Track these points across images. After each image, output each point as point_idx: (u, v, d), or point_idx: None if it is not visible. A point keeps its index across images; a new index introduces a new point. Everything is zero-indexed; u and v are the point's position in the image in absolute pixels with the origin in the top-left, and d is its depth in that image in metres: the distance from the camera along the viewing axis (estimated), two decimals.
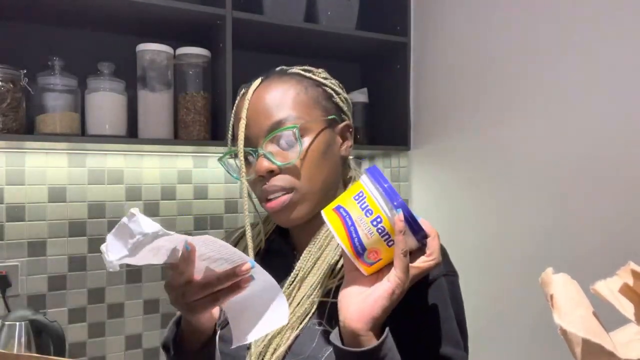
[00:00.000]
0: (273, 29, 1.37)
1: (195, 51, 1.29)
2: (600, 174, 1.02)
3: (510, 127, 1.23)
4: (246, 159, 0.73)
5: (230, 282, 0.58)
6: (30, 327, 1.14)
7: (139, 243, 0.51)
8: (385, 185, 0.57)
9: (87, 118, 1.22)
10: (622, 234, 0.98)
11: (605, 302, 0.34)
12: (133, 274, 1.43)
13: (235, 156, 0.73)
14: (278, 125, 0.70)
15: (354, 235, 0.58)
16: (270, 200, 0.71)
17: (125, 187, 1.42)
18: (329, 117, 0.74)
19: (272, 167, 0.69)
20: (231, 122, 0.78)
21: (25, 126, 1.15)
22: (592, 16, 1.04)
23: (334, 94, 0.76)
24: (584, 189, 1.05)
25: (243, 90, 0.76)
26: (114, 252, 0.52)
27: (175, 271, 0.58)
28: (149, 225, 0.50)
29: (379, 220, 0.57)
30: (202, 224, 1.52)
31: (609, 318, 0.36)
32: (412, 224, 0.57)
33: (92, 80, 1.22)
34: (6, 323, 1.13)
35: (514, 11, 1.22)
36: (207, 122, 1.31)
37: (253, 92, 0.73)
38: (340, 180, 0.78)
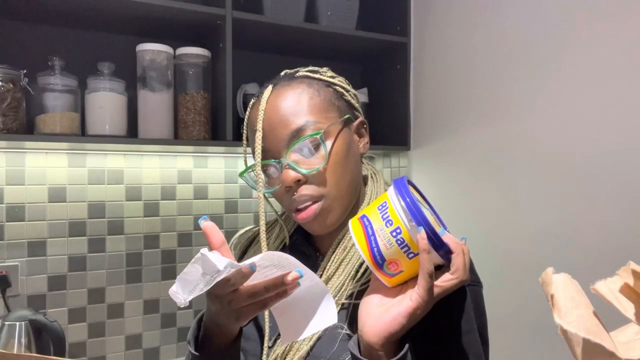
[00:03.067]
0: (273, 29, 1.37)
1: (195, 51, 1.29)
2: (601, 173, 1.02)
3: (510, 127, 1.23)
4: (266, 172, 0.71)
5: (277, 290, 0.56)
6: (30, 327, 1.14)
7: (212, 280, 0.51)
8: (408, 200, 0.56)
9: (87, 118, 1.22)
10: (622, 234, 0.98)
11: (605, 302, 0.34)
12: (133, 274, 1.43)
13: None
14: (298, 133, 0.68)
15: (374, 245, 0.57)
16: (300, 210, 0.69)
17: (125, 187, 1.42)
18: (345, 117, 0.72)
19: (299, 177, 0.67)
20: (244, 134, 0.76)
21: (25, 126, 1.15)
22: (592, 16, 1.04)
23: (344, 92, 0.75)
24: (584, 188, 1.05)
25: (253, 100, 0.75)
26: (186, 292, 0.52)
27: (225, 283, 0.55)
28: (220, 261, 0.50)
29: (398, 231, 0.56)
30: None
31: (609, 318, 0.36)
32: (434, 240, 0.56)
33: (92, 80, 1.22)
34: (6, 323, 1.13)
35: (514, 11, 1.22)
36: (207, 122, 1.31)
37: (266, 102, 0.71)
38: (361, 179, 0.77)
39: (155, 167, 1.46)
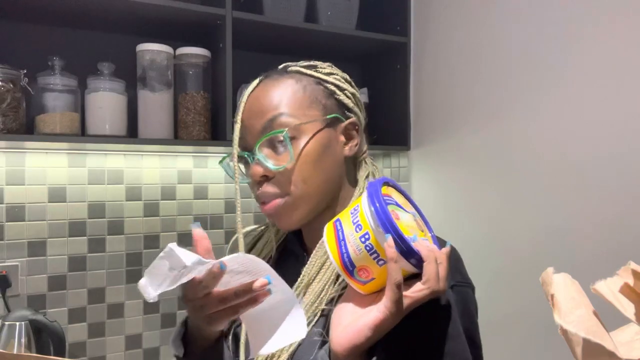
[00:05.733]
0: (273, 29, 1.37)
1: (195, 51, 1.29)
2: (601, 174, 1.02)
3: (510, 127, 1.23)
4: (246, 162, 0.71)
5: (247, 297, 0.56)
6: (30, 327, 1.14)
7: (180, 275, 0.50)
8: (377, 205, 0.54)
9: (87, 118, 1.22)
10: (622, 234, 0.98)
11: (605, 302, 0.34)
12: (133, 274, 1.43)
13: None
14: (270, 127, 0.67)
15: (344, 250, 0.55)
16: (265, 203, 0.69)
17: (125, 187, 1.42)
18: (329, 116, 0.70)
19: (266, 172, 0.67)
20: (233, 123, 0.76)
21: (25, 126, 1.15)
22: (593, 16, 1.04)
23: (336, 91, 0.72)
24: (585, 188, 1.05)
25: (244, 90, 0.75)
26: (153, 286, 0.52)
27: (197, 285, 0.55)
28: (188, 257, 0.50)
29: (367, 237, 0.54)
30: (202, 224, 1.51)
31: (609, 318, 0.36)
32: (402, 247, 0.53)
33: (92, 80, 1.22)
34: (6, 323, 1.13)
35: (514, 11, 1.22)
36: (207, 122, 1.31)
37: (250, 93, 0.71)
38: (344, 180, 0.74)
39: (155, 167, 1.46)
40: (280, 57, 1.60)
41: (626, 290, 0.34)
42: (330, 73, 0.74)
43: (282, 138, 0.66)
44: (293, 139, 0.67)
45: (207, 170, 1.53)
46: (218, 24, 1.29)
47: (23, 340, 1.12)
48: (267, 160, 0.67)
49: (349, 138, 0.73)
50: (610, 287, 0.35)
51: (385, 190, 0.59)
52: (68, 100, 1.18)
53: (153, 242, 1.45)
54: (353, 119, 0.74)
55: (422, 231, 0.59)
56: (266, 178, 0.68)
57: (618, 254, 0.97)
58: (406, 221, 0.56)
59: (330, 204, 0.72)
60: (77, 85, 1.21)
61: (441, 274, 0.54)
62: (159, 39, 1.32)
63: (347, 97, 0.74)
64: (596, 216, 1.03)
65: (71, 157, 1.36)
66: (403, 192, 0.63)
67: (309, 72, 0.72)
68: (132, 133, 1.29)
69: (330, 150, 0.70)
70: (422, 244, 0.54)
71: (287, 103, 0.68)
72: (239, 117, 0.70)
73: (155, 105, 1.26)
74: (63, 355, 1.18)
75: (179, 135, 1.29)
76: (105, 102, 1.21)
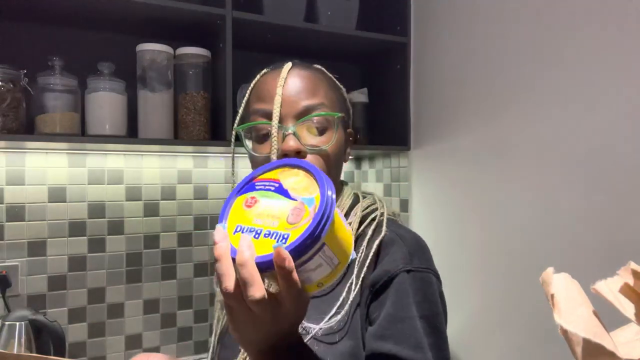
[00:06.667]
0: (273, 29, 1.37)
1: (195, 51, 1.29)
2: (602, 173, 1.02)
3: (511, 127, 1.23)
4: (259, 135, 0.71)
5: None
6: (30, 327, 1.14)
7: None
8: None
9: (87, 118, 1.22)
10: (622, 234, 0.98)
11: (605, 302, 0.34)
12: (133, 274, 1.43)
13: (250, 131, 0.71)
14: (314, 109, 0.69)
15: None
16: None
17: (125, 187, 1.42)
18: (347, 119, 0.75)
19: (301, 148, 0.67)
20: (245, 98, 0.76)
21: (25, 126, 1.15)
22: (594, 16, 1.04)
23: (346, 98, 0.77)
24: (585, 188, 1.05)
25: (266, 70, 0.75)
26: None
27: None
28: None
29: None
30: (202, 224, 1.52)
31: (609, 318, 0.36)
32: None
33: (92, 80, 1.22)
34: (6, 323, 1.13)
35: (514, 11, 1.22)
36: (207, 122, 1.31)
37: (287, 73, 0.71)
38: (336, 178, 0.77)
39: (155, 167, 1.46)
40: (280, 57, 1.62)
41: (626, 290, 0.34)
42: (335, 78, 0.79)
43: (324, 121, 0.69)
44: (327, 127, 0.70)
45: (207, 170, 1.53)
46: (218, 24, 1.29)
47: (23, 340, 1.12)
48: (301, 138, 0.68)
49: (347, 145, 0.78)
50: (610, 287, 0.35)
51: (277, 173, 0.53)
52: (68, 100, 1.18)
53: (153, 242, 1.45)
54: (350, 129, 0.78)
55: (295, 223, 0.48)
56: (297, 155, 0.67)
57: (618, 254, 0.97)
58: (264, 209, 0.50)
59: None
60: (77, 85, 1.21)
61: (223, 269, 0.46)
62: (159, 39, 1.32)
63: (350, 106, 0.79)
64: (597, 216, 1.03)
65: (71, 157, 1.36)
66: (310, 168, 0.52)
67: (328, 74, 0.76)
68: (132, 133, 1.29)
69: (343, 147, 0.75)
70: (243, 239, 0.47)
71: (324, 93, 0.71)
72: (279, 91, 0.69)
73: (155, 105, 1.26)
74: (63, 355, 1.18)
75: (179, 135, 1.29)
76: (105, 102, 1.21)
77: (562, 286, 0.35)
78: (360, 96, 1.59)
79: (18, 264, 1.29)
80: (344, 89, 0.78)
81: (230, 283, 0.46)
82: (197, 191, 1.51)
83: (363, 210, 0.74)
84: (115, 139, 1.22)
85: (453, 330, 1.39)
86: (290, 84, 0.70)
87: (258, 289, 0.45)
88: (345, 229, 0.51)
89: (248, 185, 0.53)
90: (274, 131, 0.68)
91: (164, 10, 1.22)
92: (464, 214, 1.37)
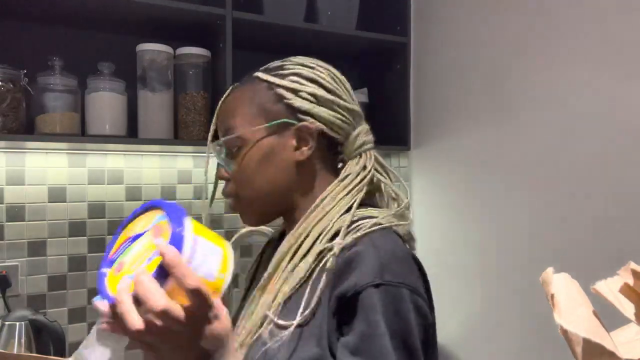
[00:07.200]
0: (273, 29, 1.37)
1: (195, 51, 1.29)
2: (601, 173, 1.02)
3: (510, 127, 1.23)
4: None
5: None
6: (30, 327, 1.14)
7: None
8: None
9: (87, 118, 1.22)
10: (622, 234, 0.98)
11: (605, 302, 0.34)
12: None
13: None
14: (224, 135, 0.74)
15: None
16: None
17: (125, 187, 1.42)
18: (272, 123, 0.70)
19: (224, 175, 0.74)
20: None
21: (25, 126, 1.15)
22: (593, 16, 1.04)
23: (285, 95, 0.70)
24: (585, 188, 1.05)
25: (234, 85, 0.80)
26: None
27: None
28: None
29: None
30: (202, 224, 1.51)
31: (609, 318, 0.36)
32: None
33: (92, 80, 1.22)
34: (6, 323, 1.13)
35: (514, 11, 1.22)
36: (207, 122, 1.31)
37: (223, 98, 0.77)
38: (303, 183, 0.73)
39: (155, 167, 1.46)
40: (280, 57, 1.60)
41: (626, 290, 0.34)
42: (293, 73, 0.72)
43: (240, 139, 0.72)
44: (240, 147, 0.72)
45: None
46: (218, 24, 1.29)
47: (23, 340, 1.12)
48: (225, 164, 0.75)
49: (301, 142, 0.71)
50: (610, 287, 0.35)
51: (142, 218, 0.58)
52: (68, 100, 1.18)
53: None
54: (304, 122, 0.70)
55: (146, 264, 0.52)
56: (227, 179, 0.75)
57: (618, 254, 0.97)
58: (131, 260, 0.53)
59: (290, 207, 0.74)
60: (77, 85, 1.21)
61: (125, 318, 0.48)
62: (159, 39, 1.32)
63: (304, 98, 0.71)
64: (596, 216, 1.03)
65: (71, 157, 1.36)
66: (167, 207, 0.56)
67: (264, 77, 0.73)
68: (132, 133, 1.29)
69: (277, 157, 0.71)
70: (122, 282, 0.49)
71: (238, 112, 0.73)
72: (214, 119, 0.77)
73: (155, 105, 1.26)
74: (63, 355, 1.18)
75: (179, 135, 1.29)
76: (105, 102, 1.21)
77: (562, 286, 0.35)
78: (360, 96, 1.59)
79: (18, 264, 1.29)
80: (288, 84, 0.71)
81: (134, 318, 0.47)
82: (197, 191, 1.51)
83: (350, 224, 0.68)
84: (115, 139, 1.22)
85: (453, 330, 1.39)
86: (218, 111, 0.76)
87: (159, 296, 0.47)
88: (207, 230, 0.56)
89: (109, 260, 0.56)
90: (207, 160, 0.77)
91: (164, 10, 1.22)
92: (463, 214, 1.37)
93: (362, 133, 0.76)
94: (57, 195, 1.34)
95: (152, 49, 1.25)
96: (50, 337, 1.16)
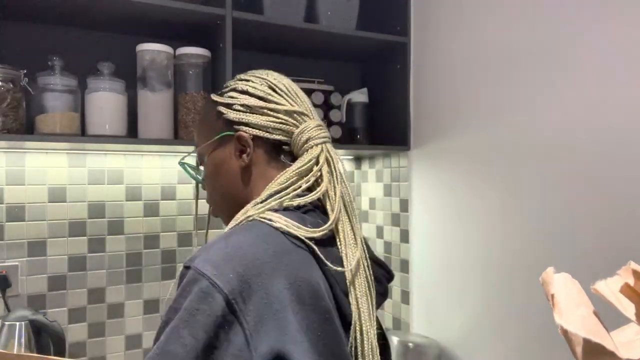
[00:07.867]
0: (273, 29, 1.37)
1: (195, 51, 1.29)
2: (602, 173, 1.02)
3: (510, 126, 1.23)
4: None
5: None
6: (30, 327, 1.14)
7: None
8: None
9: (87, 118, 1.22)
10: (623, 234, 0.98)
11: (606, 302, 0.34)
12: (133, 274, 1.43)
13: None
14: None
15: None
16: None
17: (125, 187, 1.42)
18: (217, 137, 0.79)
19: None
20: None
21: (25, 126, 1.15)
22: (594, 16, 1.04)
23: (222, 110, 0.78)
24: (585, 188, 1.05)
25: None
26: None
27: None
28: None
29: None
30: (201, 224, 1.52)
31: (609, 318, 0.36)
32: None
33: (92, 80, 1.22)
34: (6, 323, 1.13)
35: (514, 11, 1.22)
36: None
37: None
38: (249, 187, 0.77)
39: (155, 167, 1.46)
40: (280, 57, 1.62)
41: (626, 290, 0.34)
42: (231, 89, 0.80)
43: (199, 155, 0.84)
44: (202, 161, 0.84)
45: None
46: (218, 24, 1.29)
47: (23, 340, 1.12)
48: (199, 175, 0.87)
49: (241, 150, 0.78)
50: (610, 287, 0.35)
51: None
52: (68, 100, 1.18)
53: (153, 242, 1.45)
54: (239, 132, 0.77)
55: None
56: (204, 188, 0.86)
57: (618, 254, 0.97)
58: None
59: (242, 202, 0.78)
60: (77, 85, 1.21)
61: None
62: (159, 39, 1.32)
63: (237, 110, 0.78)
64: (597, 216, 1.03)
65: (71, 157, 1.36)
66: None
67: (214, 97, 0.82)
68: (132, 133, 1.29)
69: (225, 166, 0.80)
70: None
71: (198, 131, 0.85)
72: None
73: (155, 105, 1.26)
74: (63, 355, 1.18)
75: (179, 135, 1.29)
76: (105, 102, 1.21)
77: (562, 286, 0.35)
78: (360, 96, 1.59)
79: (18, 264, 1.29)
80: (224, 100, 0.78)
81: None
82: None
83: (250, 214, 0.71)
84: (115, 139, 1.22)
85: (453, 330, 1.39)
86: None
87: None
88: None
89: None
90: (197, 170, 0.88)
91: (164, 10, 1.22)
92: (463, 214, 1.37)
93: (307, 130, 0.76)
94: (57, 195, 1.34)
95: (152, 49, 1.25)
96: (50, 337, 1.16)
